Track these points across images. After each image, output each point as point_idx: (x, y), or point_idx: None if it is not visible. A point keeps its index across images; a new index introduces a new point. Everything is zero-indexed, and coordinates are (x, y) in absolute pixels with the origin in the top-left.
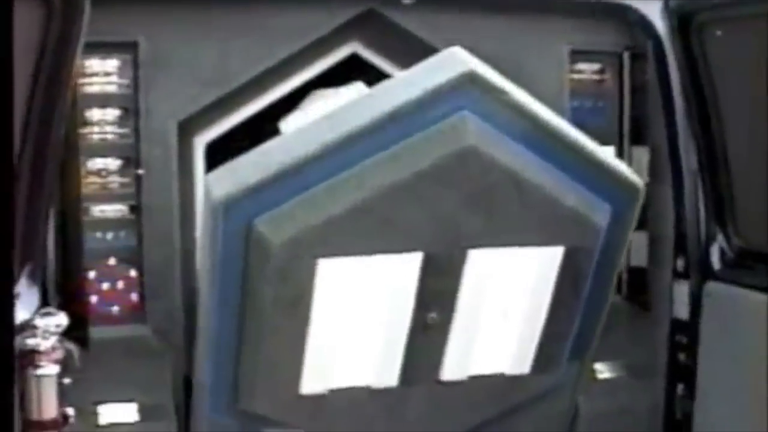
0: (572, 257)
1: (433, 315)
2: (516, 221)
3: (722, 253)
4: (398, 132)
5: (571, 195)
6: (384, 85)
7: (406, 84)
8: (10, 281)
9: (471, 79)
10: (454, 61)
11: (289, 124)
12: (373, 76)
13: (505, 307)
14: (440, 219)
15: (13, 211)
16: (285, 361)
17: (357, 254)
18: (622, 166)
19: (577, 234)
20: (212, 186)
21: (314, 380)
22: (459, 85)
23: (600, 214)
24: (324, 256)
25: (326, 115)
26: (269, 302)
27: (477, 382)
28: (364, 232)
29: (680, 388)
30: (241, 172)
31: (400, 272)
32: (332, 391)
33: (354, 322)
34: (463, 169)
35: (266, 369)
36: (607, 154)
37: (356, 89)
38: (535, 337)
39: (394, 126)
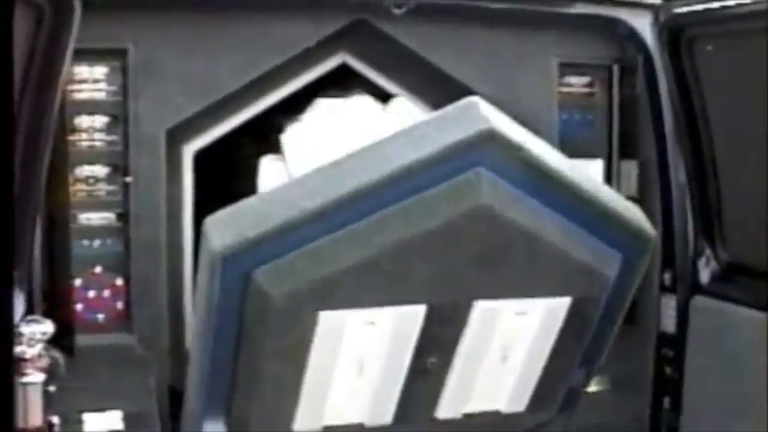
0: (579, 306)
1: (432, 360)
2: (525, 275)
3: (710, 267)
4: (409, 188)
5: (582, 248)
6: (397, 135)
7: (420, 137)
8: (9, 292)
9: (490, 136)
10: (472, 114)
11: (291, 136)
12: (362, 87)
13: (506, 352)
14: (447, 274)
15: (11, 220)
16: (279, 402)
17: (359, 307)
18: (635, 214)
19: (586, 285)
20: (211, 233)
21: (308, 419)
22: (477, 142)
23: (610, 265)
24: (325, 309)
25: (334, 162)
26: (266, 350)
27: (471, 418)
28: (368, 287)
29: (666, 401)
30: (241, 221)
31: (403, 322)
32: (326, 428)
33: (352, 366)
34: (474, 228)
35: (259, 409)
36: (617, 200)
37: (361, 102)
38: (534, 378)
39: (405, 182)
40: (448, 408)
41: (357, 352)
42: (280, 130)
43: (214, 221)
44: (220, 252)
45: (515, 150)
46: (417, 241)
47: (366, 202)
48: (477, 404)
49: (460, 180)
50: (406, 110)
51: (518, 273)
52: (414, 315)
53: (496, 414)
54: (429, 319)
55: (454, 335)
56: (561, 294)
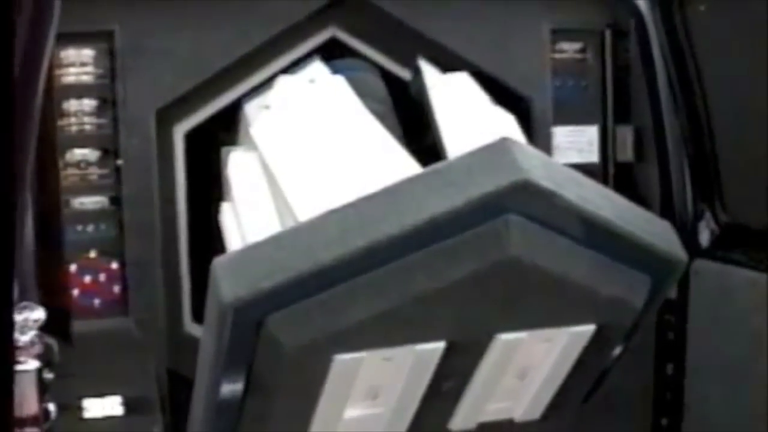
0: (604, 332)
1: (449, 384)
2: (551, 311)
3: (710, 230)
4: (433, 238)
5: (611, 281)
6: (421, 177)
7: (446, 183)
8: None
9: (523, 187)
10: (504, 160)
11: (262, 127)
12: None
13: (525, 371)
14: (470, 315)
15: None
16: None
17: (375, 348)
18: (666, 236)
19: (614, 314)
20: (221, 279)
21: None
22: (509, 193)
23: (639, 293)
24: (339, 353)
25: (352, 205)
26: (277, 392)
27: (485, 427)
28: (386, 333)
29: (670, 367)
30: (253, 268)
31: (421, 358)
32: None
33: (366, 396)
34: (501, 276)
35: None
36: (648, 221)
37: (315, 68)
38: (552, 391)
39: (429, 233)
40: (462, 421)
41: (371, 384)
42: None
43: (224, 266)
44: (231, 302)
45: (549, 197)
46: (440, 291)
47: (386, 252)
48: (491, 415)
49: (488, 228)
50: (465, 86)
51: (544, 310)
52: (433, 351)
53: (509, 421)
54: (448, 352)
55: (472, 364)
56: (587, 323)
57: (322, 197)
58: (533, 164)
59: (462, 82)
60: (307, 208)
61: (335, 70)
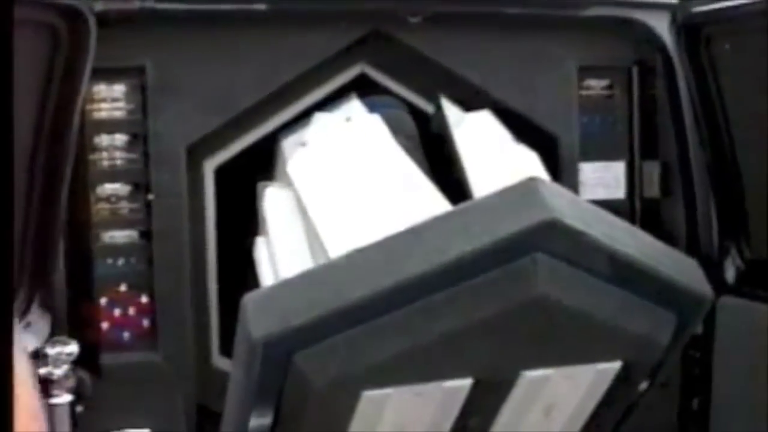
0: (630, 369)
1: (475, 420)
2: (577, 349)
3: (735, 266)
4: (460, 278)
5: (638, 319)
6: (449, 217)
7: (474, 223)
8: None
9: (552, 227)
10: (532, 200)
11: (298, 165)
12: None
13: (551, 408)
14: (496, 352)
15: (10, 222)
16: None
17: (402, 385)
18: (693, 275)
19: (639, 351)
20: (251, 315)
21: None
22: (537, 234)
23: (666, 331)
24: (367, 390)
25: (381, 244)
26: (304, 429)
27: None
28: (413, 369)
29: (695, 403)
30: (283, 305)
31: (448, 394)
32: None
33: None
34: (528, 315)
35: None
36: (676, 260)
37: (351, 106)
38: (577, 428)
39: (456, 273)
40: None
41: (398, 421)
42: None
43: (254, 302)
44: (261, 338)
45: (576, 236)
46: (467, 329)
47: (414, 291)
48: None
49: (516, 267)
50: (487, 123)
51: (570, 347)
52: (460, 388)
53: None
54: (475, 388)
55: (499, 400)
56: (613, 360)
57: (354, 235)
58: (561, 203)
59: (484, 119)
60: (339, 245)
61: (369, 107)
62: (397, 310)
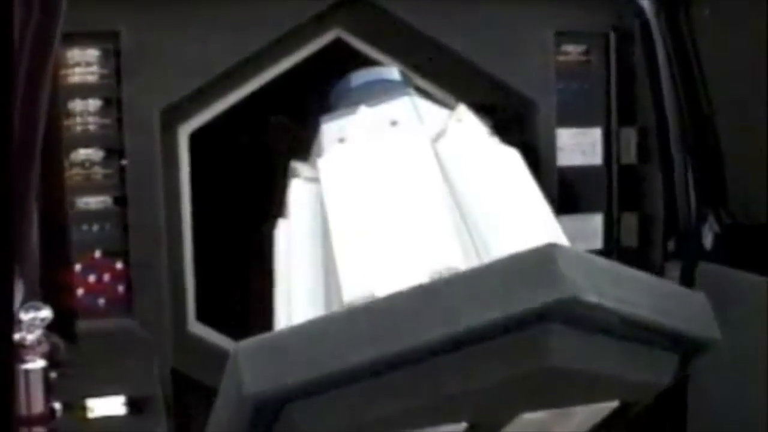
0: (628, 406)
1: None
2: (577, 394)
3: (713, 232)
4: (468, 345)
5: (641, 367)
6: (459, 280)
7: (486, 290)
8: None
9: (569, 302)
10: (549, 272)
11: (330, 162)
12: (358, 62)
13: None
14: (495, 402)
15: (10, 223)
16: None
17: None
18: (701, 317)
19: (639, 393)
20: (243, 366)
21: None
22: (553, 309)
23: (667, 372)
24: None
25: (387, 302)
26: None
27: None
28: (409, 420)
29: None
30: (278, 360)
31: None
32: None
33: None
34: (535, 382)
35: None
36: (686, 305)
37: (401, 106)
38: None
39: (465, 341)
40: None
41: None
42: (312, 126)
43: (247, 352)
44: (253, 394)
45: (592, 308)
46: (470, 394)
47: (419, 357)
48: None
49: (527, 336)
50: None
51: (570, 394)
52: (454, 430)
53: None
54: (469, 429)
55: None
56: (611, 400)
57: (367, 255)
58: (577, 274)
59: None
60: (352, 268)
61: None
62: (398, 371)
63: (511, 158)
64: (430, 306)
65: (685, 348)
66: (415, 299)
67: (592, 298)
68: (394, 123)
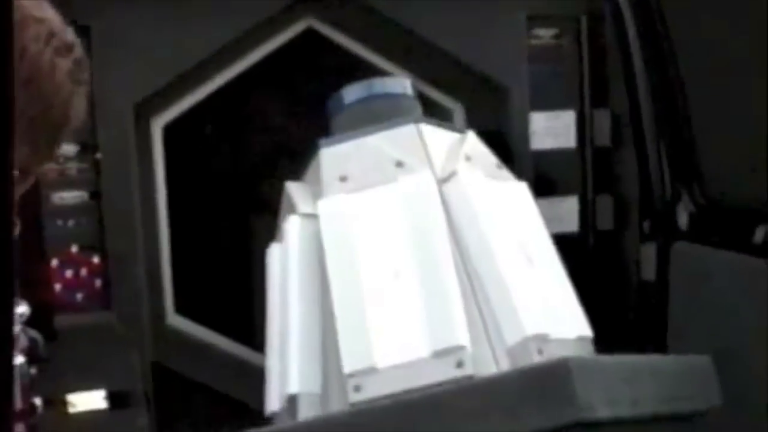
0: None
1: None
2: None
3: (688, 212)
4: None
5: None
6: (468, 392)
7: (495, 406)
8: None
9: (582, 425)
10: (563, 390)
11: (329, 206)
12: (330, 52)
13: None
14: None
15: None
16: None
17: None
18: (706, 385)
19: None
20: None
21: None
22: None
23: None
24: None
25: (385, 411)
26: None
27: None
28: None
29: (650, 349)
30: None
31: None
32: None
33: None
34: None
35: None
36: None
37: (407, 137)
38: None
39: None
40: None
41: None
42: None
43: None
44: None
45: (606, 425)
46: None
47: None
48: None
49: None
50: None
51: None
52: None
53: None
54: None
55: None
56: None
57: (369, 325)
58: (593, 389)
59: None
60: (353, 337)
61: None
62: None
63: (520, 194)
64: (435, 419)
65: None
66: (420, 410)
67: (608, 413)
68: (399, 164)
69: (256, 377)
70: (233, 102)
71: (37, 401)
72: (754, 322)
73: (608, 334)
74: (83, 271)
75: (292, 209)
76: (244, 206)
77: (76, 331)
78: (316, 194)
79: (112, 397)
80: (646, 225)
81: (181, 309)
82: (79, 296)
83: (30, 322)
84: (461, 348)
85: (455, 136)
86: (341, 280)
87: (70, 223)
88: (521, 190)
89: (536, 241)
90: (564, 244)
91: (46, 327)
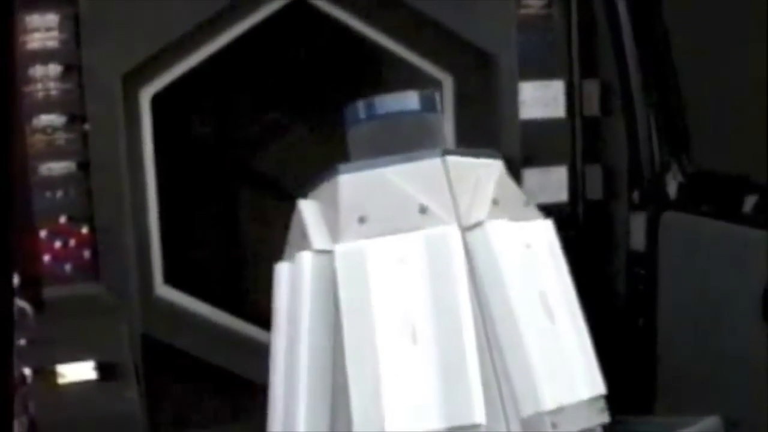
0: None
1: None
2: None
3: (677, 181)
4: None
5: None
6: None
7: None
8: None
9: None
10: None
11: (347, 256)
12: (319, 22)
13: None
14: None
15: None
16: None
17: None
18: None
19: None
20: None
21: None
22: None
23: None
24: None
25: None
26: None
27: None
28: None
29: (640, 321)
30: None
31: None
32: None
33: None
34: None
35: None
36: None
37: (432, 175)
38: None
39: None
40: None
41: None
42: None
43: None
44: None
45: None
46: None
47: None
48: None
49: None
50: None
51: None
52: None
53: None
54: None
55: None
56: None
57: (383, 389)
58: None
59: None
60: (365, 398)
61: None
62: None
63: (545, 235)
64: None
65: None
66: None
67: None
68: (423, 210)
69: (245, 348)
70: (222, 73)
71: (27, 372)
72: (743, 290)
73: (598, 305)
74: (72, 242)
75: (305, 236)
76: (234, 177)
77: (65, 303)
78: (332, 226)
79: (101, 368)
80: (635, 195)
81: (169, 280)
82: (68, 267)
83: (18, 292)
84: (477, 426)
85: (483, 164)
86: (356, 336)
87: (59, 194)
88: (546, 229)
89: (558, 289)
90: (553, 214)
91: (34, 298)
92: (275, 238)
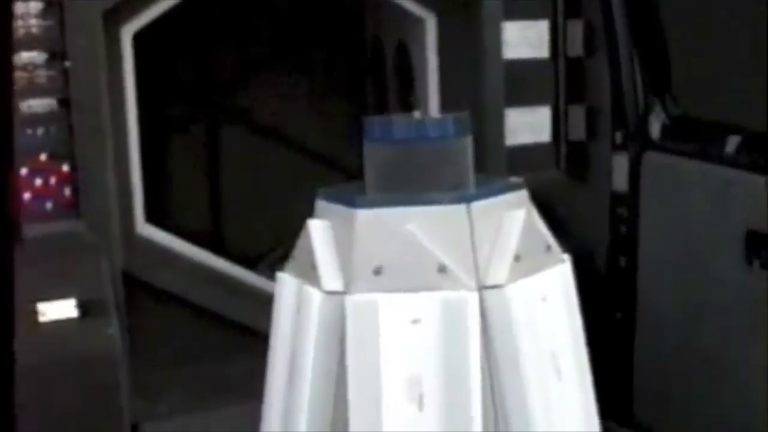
0: None
1: None
2: None
3: (660, 122)
4: None
5: None
6: None
7: None
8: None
9: None
10: None
11: (359, 308)
12: None
13: None
14: None
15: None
16: None
17: None
18: None
19: None
20: None
21: None
22: None
23: None
24: None
25: None
26: None
27: None
28: None
29: (622, 260)
30: None
31: None
32: None
33: None
34: None
35: None
36: None
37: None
38: None
39: None
40: None
41: None
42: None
43: None
44: None
45: None
46: None
47: None
48: None
49: None
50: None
51: None
52: None
53: None
54: None
55: None
56: None
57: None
58: None
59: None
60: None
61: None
62: None
63: (562, 280)
64: None
65: None
66: None
67: None
68: (442, 269)
69: (225, 286)
70: (202, 11)
71: None
72: (724, 231)
73: (581, 245)
74: (52, 180)
75: (314, 269)
76: (215, 116)
77: (46, 240)
78: (345, 266)
79: (81, 306)
80: (618, 135)
81: (150, 218)
82: (49, 205)
83: None
84: None
85: (507, 203)
86: (361, 396)
87: (39, 131)
88: (563, 274)
89: (569, 346)
90: (536, 153)
91: (14, 236)
92: (257, 177)
